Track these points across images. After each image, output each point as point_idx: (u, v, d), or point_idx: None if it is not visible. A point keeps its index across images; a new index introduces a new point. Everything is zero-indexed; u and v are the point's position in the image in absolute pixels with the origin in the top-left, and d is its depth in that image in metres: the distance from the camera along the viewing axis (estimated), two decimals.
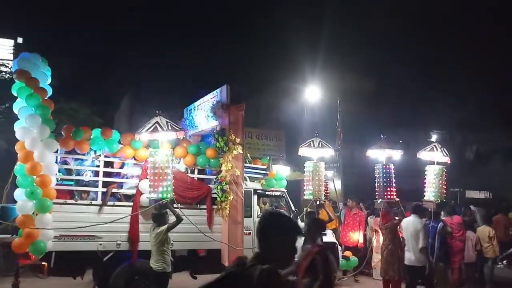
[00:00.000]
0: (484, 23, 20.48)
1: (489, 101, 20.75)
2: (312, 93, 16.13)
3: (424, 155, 8.24)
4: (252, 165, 8.76)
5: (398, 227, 7.68)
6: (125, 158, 7.26)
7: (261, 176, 8.71)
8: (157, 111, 6.86)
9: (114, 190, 7.07)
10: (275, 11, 18.95)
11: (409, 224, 7.15)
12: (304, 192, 8.69)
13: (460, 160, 18.56)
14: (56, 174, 6.78)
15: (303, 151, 8.58)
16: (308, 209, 8.29)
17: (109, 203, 6.92)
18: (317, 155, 8.58)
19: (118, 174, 7.42)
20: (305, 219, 8.36)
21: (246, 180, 8.16)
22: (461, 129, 21.51)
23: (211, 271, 7.84)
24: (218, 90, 8.02)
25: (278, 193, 8.77)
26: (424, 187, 8.29)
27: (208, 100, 8.40)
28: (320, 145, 8.38)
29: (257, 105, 17.80)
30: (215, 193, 7.64)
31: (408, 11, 19.76)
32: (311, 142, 8.45)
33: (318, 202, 8.38)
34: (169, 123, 6.76)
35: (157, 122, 6.65)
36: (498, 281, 9.77)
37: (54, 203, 6.38)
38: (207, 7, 20.81)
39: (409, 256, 7.05)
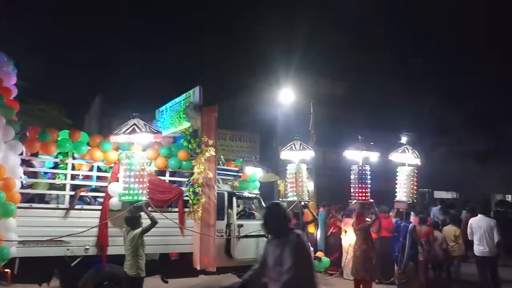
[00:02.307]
0: (452, 24, 21.14)
1: (458, 104, 21.45)
2: (286, 96, 16.24)
3: (395, 156, 8.36)
4: (225, 167, 8.71)
5: (371, 228, 7.82)
6: (93, 160, 7.07)
7: (234, 178, 8.67)
8: (133, 113, 6.66)
9: (82, 193, 6.88)
10: (250, 13, 19.01)
11: (481, 222, 8.12)
12: (288, 194, 8.71)
13: (428, 161, 19.05)
14: (21, 177, 6.53)
15: (285, 154, 8.61)
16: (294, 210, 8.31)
17: (77, 206, 6.72)
18: (299, 157, 8.63)
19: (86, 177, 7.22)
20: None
21: (219, 183, 8.09)
22: (429, 131, 22.07)
23: (183, 275, 7.78)
24: (191, 91, 7.92)
25: (251, 195, 8.77)
26: (395, 187, 8.44)
27: (180, 102, 8.30)
28: (301, 148, 8.45)
29: (231, 107, 17.74)
30: (187, 196, 7.54)
31: (380, 13, 20.23)
32: (293, 145, 8.49)
33: (302, 203, 8.46)
34: (147, 125, 6.63)
35: (135, 124, 6.48)
36: (465, 279, 10.06)
37: (18, 208, 6.12)
38: (181, 7, 20.68)
39: (482, 249, 8.00)
